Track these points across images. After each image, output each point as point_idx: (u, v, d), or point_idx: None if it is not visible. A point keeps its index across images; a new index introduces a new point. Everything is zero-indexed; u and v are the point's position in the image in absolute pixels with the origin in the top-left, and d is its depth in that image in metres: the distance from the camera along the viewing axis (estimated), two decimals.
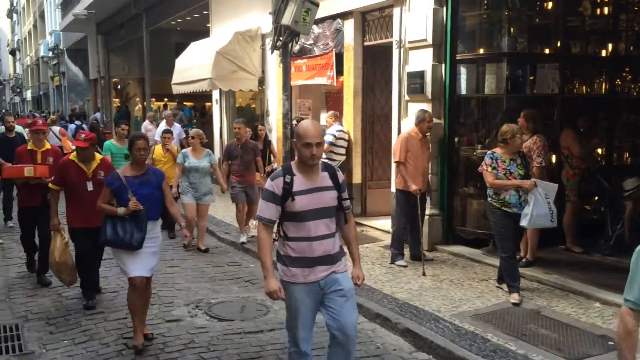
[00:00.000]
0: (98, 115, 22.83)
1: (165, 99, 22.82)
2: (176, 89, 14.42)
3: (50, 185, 6.17)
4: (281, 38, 7.87)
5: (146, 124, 16.67)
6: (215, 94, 14.68)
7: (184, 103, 20.00)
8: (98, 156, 6.18)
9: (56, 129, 18.66)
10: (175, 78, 14.27)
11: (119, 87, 28.38)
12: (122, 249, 5.04)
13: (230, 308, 6.16)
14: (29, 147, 7.10)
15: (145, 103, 22.71)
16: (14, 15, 59.53)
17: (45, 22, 40.73)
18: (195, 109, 21.37)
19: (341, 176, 3.79)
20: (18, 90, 62.65)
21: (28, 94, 55.73)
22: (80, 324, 5.71)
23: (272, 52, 8.80)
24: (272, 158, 10.04)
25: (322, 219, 3.63)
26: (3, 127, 10.58)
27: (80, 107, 30.70)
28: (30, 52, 50.70)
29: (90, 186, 5.96)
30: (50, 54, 38.20)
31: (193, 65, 13.28)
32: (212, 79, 12.19)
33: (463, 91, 8.07)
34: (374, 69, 9.79)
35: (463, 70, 7.98)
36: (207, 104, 20.74)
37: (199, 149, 8.47)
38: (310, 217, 3.59)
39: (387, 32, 9.07)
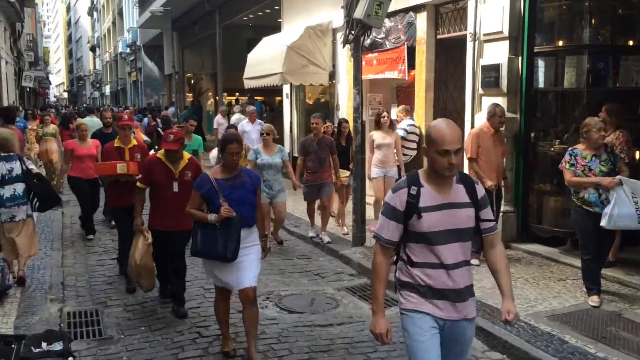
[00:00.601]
0: (172, 109, 23.49)
1: (237, 94, 23.23)
2: (248, 84, 14.66)
3: (137, 184, 5.89)
4: (353, 32, 7.85)
5: (218, 118, 17.07)
6: (286, 89, 14.81)
7: (255, 97, 20.30)
8: (186, 155, 5.78)
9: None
10: (247, 73, 14.51)
11: (192, 82, 29.13)
12: (215, 261, 4.64)
13: (300, 301, 6.21)
14: (116, 144, 6.79)
15: (217, 98, 23.20)
16: (94, 13, 62.16)
17: (123, 20, 42.33)
18: (265, 103, 21.67)
19: (481, 190, 3.09)
20: (97, 85, 65.41)
21: (107, 89, 58.10)
22: (156, 311, 5.90)
23: (343, 46, 8.80)
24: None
25: (456, 242, 2.98)
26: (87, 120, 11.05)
27: (155, 102, 31.77)
28: (109, 49, 52.79)
29: (175, 187, 5.61)
30: (128, 50, 39.70)
31: (265, 60, 13.45)
32: (283, 74, 12.31)
33: (540, 85, 7.80)
34: (447, 62, 9.60)
35: (541, 63, 7.71)
36: (277, 98, 20.98)
37: (271, 145, 8.07)
38: (440, 239, 2.94)
39: (461, 25, 8.88)
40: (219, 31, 20.26)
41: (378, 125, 8.67)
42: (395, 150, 8.65)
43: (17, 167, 6.26)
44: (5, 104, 20.74)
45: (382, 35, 10.54)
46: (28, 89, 36.33)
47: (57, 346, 4.68)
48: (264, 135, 8.08)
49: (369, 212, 8.64)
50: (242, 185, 4.70)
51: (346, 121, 9.42)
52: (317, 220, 8.78)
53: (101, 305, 6.12)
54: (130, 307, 6.01)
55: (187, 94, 28.68)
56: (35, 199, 6.42)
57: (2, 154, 6.26)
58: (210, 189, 4.62)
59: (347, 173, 8.80)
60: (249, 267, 4.67)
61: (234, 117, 16.29)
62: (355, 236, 8.05)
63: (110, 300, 6.28)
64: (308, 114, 14.85)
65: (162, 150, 5.71)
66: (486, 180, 6.88)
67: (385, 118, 8.59)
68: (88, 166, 8.44)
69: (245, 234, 4.64)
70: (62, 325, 5.50)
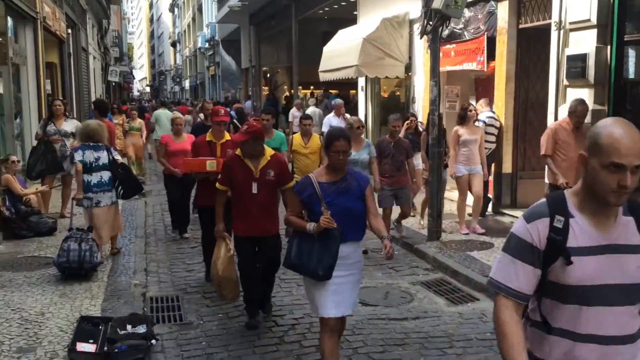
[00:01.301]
0: (249, 103, 23.90)
1: (312, 87, 23.38)
2: (323, 77, 14.71)
3: (217, 185, 5.33)
4: (431, 22, 7.71)
5: (293, 111, 17.23)
6: (361, 81, 14.76)
7: (330, 90, 20.37)
8: (269, 151, 5.18)
9: (202, 115, 20.05)
10: (323, 66, 14.55)
11: (268, 75, 29.54)
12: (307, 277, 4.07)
13: (374, 293, 6.19)
14: (207, 139, 6.41)
15: (292, 91, 23.42)
16: (175, 10, 64.10)
17: (202, 15, 43.43)
18: (340, 96, 21.69)
19: None
20: (178, 79, 67.54)
21: (186, 83, 59.86)
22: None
23: (421, 37, 8.66)
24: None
25: (623, 305, 2.04)
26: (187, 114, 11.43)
27: (232, 95, 32.45)
28: (189, 44, 54.34)
29: (254, 188, 5.02)
30: (207, 45, 40.72)
31: (340, 53, 13.45)
32: (359, 66, 12.27)
33: (631, 75, 7.40)
34: (529, 52, 9.27)
35: (631, 53, 7.31)
36: (352, 91, 20.96)
37: (359, 139, 7.26)
38: (600, 298, 2.02)
39: (544, 13, 8.54)
40: (294, 25, 20.42)
41: (463, 120, 8.12)
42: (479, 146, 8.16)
43: (104, 157, 6.78)
44: (93, 97, 21.77)
45: (461, 26, 10.31)
46: (113, 84, 37.96)
47: (141, 329, 4.88)
48: (355, 128, 7.20)
49: (448, 206, 8.47)
50: (347, 191, 4.03)
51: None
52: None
53: (181, 291, 6.32)
54: (208, 295, 6.16)
55: (263, 87, 29.10)
56: (120, 187, 6.94)
57: (91, 144, 6.77)
58: (312, 194, 4.00)
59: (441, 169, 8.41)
60: (346, 290, 4.00)
61: (309, 110, 16.44)
62: (430, 230, 7.94)
63: (190, 287, 6.48)
64: (383, 107, 14.80)
65: (238, 150, 5.27)
66: (559, 178, 6.58)
67: (472, 112, 8.11)
68: (181, 162, 7.76)
69: (347, 249, 3.96)
70: (145, 309, 5.73)
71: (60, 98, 12.17)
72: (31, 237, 8.07)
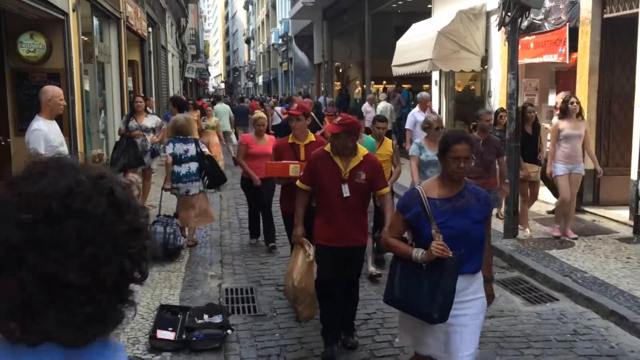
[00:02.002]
0: (321, 99, 23.98)
1: (384, 82, 23.21)
2: (396, 71, 14.58)
3: (298, 183, 4.73)
4: (509, 14, 7.48)
5: (365, 106, 17.18)
6: (435, 75, 14.54)
7: (402, 85, 20.17)
8: (362, 151, 4.54)
9: (279, 109, 20.46)
10: (396, 60, 14.42)
11: (340, 70, 29.57)
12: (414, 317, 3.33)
13: None
14: (290, 140, 5.84)
15: (364, 86, 23.36)
16: (250, 7, 65.21)
17: (276, 12, 43.97)
18: (412, 91, 21.46)
19: None
20: (251, 76, 68.74)
21: (260, 79, 60.82)
22: None
23: (499, 29, 8.43)
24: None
25: None
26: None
27: (305, 91, 32.71)
28: (263, 40, 55.15)
29: (345, 191, 4.39)
30: (280, 41, 41.18)
31: (414, 47, 13.28)
32: (433, 60, 12.07)
33: None
34: (614, 43, 8.85)
35: None
36: (425, 85, 20.67)
37: (435, 139, 6.47)
38: None
39: (632, 2, 8.11)
40: (367, 19, 20.31)
41: (564, 114, 7.45)
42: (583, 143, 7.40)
43: (192, 149, 7.32)
44: (171, 93, 22.48)
45: (541, 17, 9.95)
46: (190, 80, 39.06)
47: (217, 319, 5.02)
48: (434, 128, 6.63)
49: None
50: (465, 210, 3.27)
51: (531, 105, 8.20)
52: None
53: (255, 283, 6.43)
54: (281, 287, 6.23)
55: (335, 82, 29.17)
56: (206, 177, 7.47)
57: (180, 137, 7.33)
58: (420, 213, 3.25)
59: (537, 167, 7.92)
60: (466, 331, 3.26)
61: (380, 105, 16.35)
62: (507, 228, 7.72)
63: (264, 279, 6.59)
64: (457, 101, 14.52)
65: (328, 145, 4.61)
66: None
67: (574, 104, 7.42)
68: (261, 166, 7.00)
69: (465, 283, 3.24)
70: (221, 300, 5.88)
71: (141, 94, 12.63)
72: None
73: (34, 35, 7.61)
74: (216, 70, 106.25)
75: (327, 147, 4.56)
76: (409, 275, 3.27)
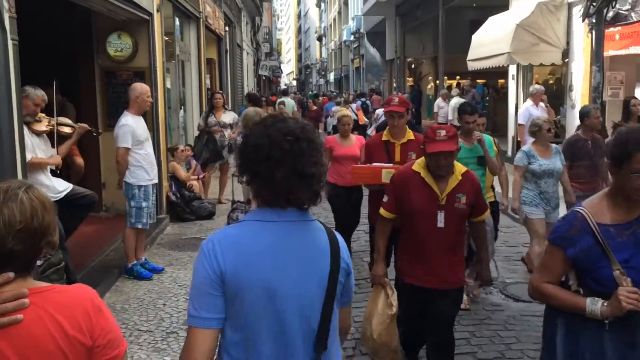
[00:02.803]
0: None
1: (458, 77, 22.88)
2: (471, 66, 14.31)
3: (381, 211, 3.82)
4: (594, 4, 7.23)
5: (439, 102, 17.01)
6: (512, 70, 14.16)
7: (477, 80, 19.79)
8: (459, 168, 3.65)
9: (354, 105, 20.58)
10: (471, 54, 14.16)
11: (412, 66, 29.31)
12: None
13: (526, 289, 5.94)
14: (384, 138, 5.06)
15: (437, 82, 23.08)
16: (322, 4, 65.58)
17: (348, 9, 44.02)
18: (487, 86, 21.00)
19: None
20: (323, 73, 69.15)
21: (331, 76, 61.09)
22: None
23: (582, 20, 8.14)
24: None
25: None
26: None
27: (376, 87, 32.61)
28: (334, 38, 55.36)
29: (440, 220, 3.55)
30: (352, 37, 41.23)
31: (490, 40, 12.99)
32: (511, 54, 11.76)
33: None
34: None
35: None
36: (500, 80, 20.17)
37: (546, 143, 5.83)
38: None
39: None
40: (441, 14, 20.01)
41: (626, 117, 6.93)
42: None
43: None
44: (246, 91, 22.96)
45: (628, 7, 9.50)
46: (264, 78, 39.75)
47: None
48: (544, 130, 5.75)
49: None
50: None
51: (635, 98, 7.39)
52: None
53: None
54: (356, 282, 6.29)
55: (407, 78, 28.93)
56: None
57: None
58: (592, 248, 2.34)
59: None
60: None
61: (453, 101, 16.10)
62: None
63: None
64: None
65: (421, 159, 3.70)
66: None
67: (636, 107, 6.90)
68: (349, 171, 5.99)
69: None
70: None
71: (220, 91, 13.01)
72: (193, 221, 8.74)
73: (122, 35, 7.98)
74: (288, 67, 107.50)
75: (417, 166, 3.66)
76: (579, 337, 2.39)
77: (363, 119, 19.48)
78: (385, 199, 3.82)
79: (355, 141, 6.72)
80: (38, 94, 5.06)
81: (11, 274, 1.48)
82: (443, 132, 3.50)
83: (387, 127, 5.10)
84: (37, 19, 6.38)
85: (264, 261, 1.78)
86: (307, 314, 1.82)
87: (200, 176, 9.65)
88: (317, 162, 1.83)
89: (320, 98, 28.75)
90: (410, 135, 5.00)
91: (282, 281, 1.78)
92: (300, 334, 1.81)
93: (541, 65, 12.58)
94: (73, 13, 7.53)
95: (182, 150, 9.36)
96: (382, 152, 4.96)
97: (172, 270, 6.53)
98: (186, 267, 6.60)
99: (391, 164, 4.78)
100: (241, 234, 1.84)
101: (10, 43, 3.96)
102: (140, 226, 6.15)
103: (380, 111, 18.99)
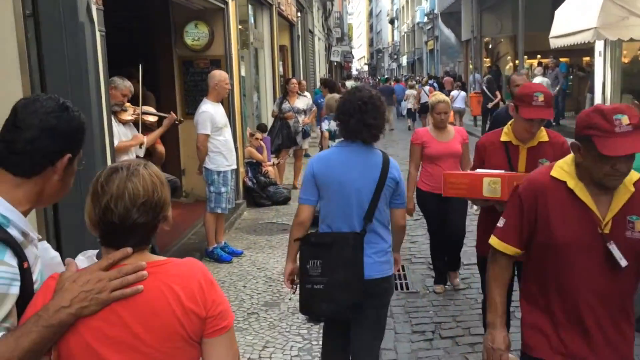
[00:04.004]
0: (478, 76, 23.13)
1: (538, 56, 22.02)
2: (554, 43, 13.69)
3: (494, 241, 2.47)
4: None
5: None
6: (599, 46, 13.44)
7: (560, 59, 18.97)
8: (631, 177, 2.26)
9: (426, 87, 20.21)
10: (554, 31, 13.54)
11: (489, 46, 28.45)
12: None
13: None
14: (503, 138, 3.66)
15: (517, 61, 22.29)
16: None
17: None
18: (571, 64, 20.11)
19: None
20: (395, 56, 68.34)
21: (404, 60, 60.27)
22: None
23: None
24: None
25: None
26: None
27: (451, 69, 31.88)
28: (407, 20, 54.49)
29: (619, 257, 2.21)
30: (425, 19, 40.45)
31: (575, 15, 12.38)
32: (598, 28, 11.15)
33: None
34: None
35: None
36: (584, 58, 19.26)
37: None
38: None
39: None
40: None
41: None
42: None
43: None
44: (318, 77, 23.02)
45: None
46: (335, 63, 39.71)
47: None
48: None
49: None
50: None
51: None
52: None
53: (406, 261, 6.44)
54: (432, 265, 6.19)
55: (484, 59, 28.11)
56: None
57: (330, 114, 7.58)
58: None
59: None
60: None
61: (537, 80, 15.49)
62: None
63: (415, 257, 6.59)
64: (624, 73, 13.32)
65: (563, 160, 2.38)
66: None
67: None
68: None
69: None
70: None
71: (294, 77, 13.09)
72: (269, 206, 8.87)
73: (198, 25, 8.15)
74: (359, 52, 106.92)
75: (557, 172, 2.33)
76: None
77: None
78: (501, 222, 2.45)
79: (455, 134, 5.34)
80: (126, 84, 5.26)
81: (129, 249, 1.59)
82: (625, 120, 2.11)
83: (510, 123, 3.65)
84: (119, 12, 6.60)
85: (337, 167, 3.14)
86: (362, 198, 3.10)
87: (269, 163, 9.74)
88: (375, 117, 3.13)
89: (391, 82, 28.47)
90: (543, 135, 3.55)
91: (347, 179, 3.10)
92: (356, 210, 3.10)
93: (631, 40, 11.87)
94: (152, 4, 7.75)
95: (257, 138, 9.51)
96: (500, 158, 3.61)
97: (250, 253, 6.66)
98: (264, 251, 6.71)
99: (502, 171, 3.38)
100: (327, 153, 3.33)
101: (98, 34, 4.11)
102: (219, 211, 6.29)
103: (454, 93, 18.65)
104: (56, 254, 1.79)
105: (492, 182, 3.25)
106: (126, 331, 1.55)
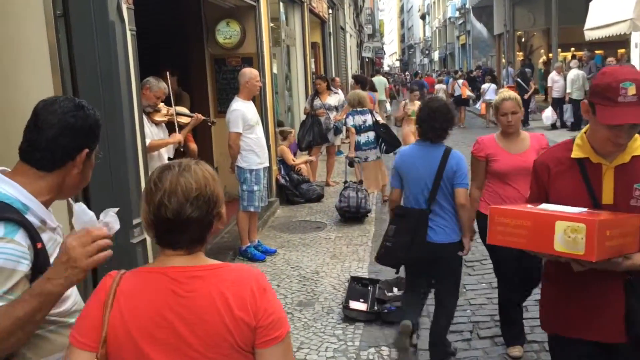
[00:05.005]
0: (510, 71, 22.72)
1: (572, 49, 21.60)
2: (589, 35, 13.40)
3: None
4: None
5: (553, 75, 16.14)
6: (635, 37, 13.09)
7: (594, 51, 18.53)
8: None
9: (460, 81, 19.99)
10: (589, 23, 13.25)
11: (522, 40, 27.98)
12: None
13: None
14: (575, 154, 2.35)
15: (550, 55, 21.87)
16: None
17: None
18: (606, 57, 19.61)
19: None
20: (426, 52, 67.75)
21: (435, 55, 59.73)
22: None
23: None
24: None
25: None
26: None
27: (484, 63, 31.44)
28: (438, 15, 53.97)
29: None
30: (457, 14, 39.99)
31: (610, 7, 12.08)
32: (634, 20, 10.88)
33: None
34: None
35: None
36: (620, 50, 18.78)
37: None
38: None
39: None
40: None
41: None
42: None
43: (369, 119, 8.17)
44: (349, 73, 22.93)
45: None
46: (367, 59, 39.51)
47: None
48: None
49: None
50: None
51: None
52: None
53: None
54: (469, 263, 6.09)
55: (517, 53, 27.65)
56: (383, 143, 8.25)
57: (359, 109, 8.14)
58: None
59: None
60: None
61: (571, 73, 15.20)
62: None
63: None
64: None
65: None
66: None
67: None
68: (520, 195, 3.82)
69: None
70: None
71: (322, 75, 13.04)
72: (302, 203, 8.84)
73: (230, 23, 8.16)
74: (391, 48, 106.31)
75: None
76: None
77: (465, 93, 19.07)
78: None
79: (531, 143, 4.07)
80: (160, 86, 5.25)
81: (104, 229, 1.69)
82: (632, 90, 2.03)
83: (584, 130, 2.39)
84: (152, 11, 6.64)
85: (409, 161, 4.03)
86: (426, 183, 3.91)
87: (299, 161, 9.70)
88: (444, 122, 3.91)
89: (422, 76, 28.22)
90: (636, 148, 2.28)
91: (414, 169, 3.96)
92: (422, 192, 3.94)
93: None
94: (185, 3, 7.79)
95: (294, 135, 9.53)
96: (573, 184, 2.34)
97: (284, 252, 6.64)
98: (297, 249, 6.69)
99: (584, 211, 2.17)
100: (405, 150, 4.29)
101: (128, 34, 4.12)
102: (252, 209, 6.28)
103: (485, 86, 18.35)
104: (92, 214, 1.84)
105: (571, 228, 2.03)
106: (173, 333, 1.54)
